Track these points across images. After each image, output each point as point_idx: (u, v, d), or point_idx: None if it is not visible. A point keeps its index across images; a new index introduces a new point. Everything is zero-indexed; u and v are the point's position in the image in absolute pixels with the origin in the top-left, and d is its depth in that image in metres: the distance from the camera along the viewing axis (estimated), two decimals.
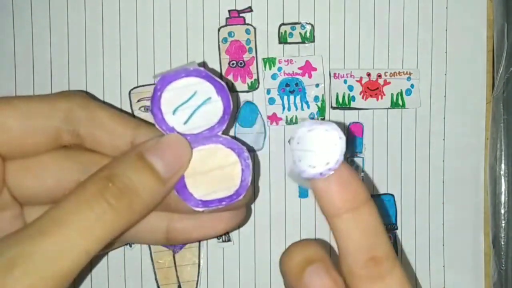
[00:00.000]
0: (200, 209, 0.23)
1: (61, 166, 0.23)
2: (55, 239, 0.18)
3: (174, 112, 0.23)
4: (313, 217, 0.35)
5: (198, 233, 0.25)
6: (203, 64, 0.34)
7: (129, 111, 0.34)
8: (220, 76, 0.34)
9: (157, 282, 0.33)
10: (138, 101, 0.33)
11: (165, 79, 0.22)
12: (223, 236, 0.34)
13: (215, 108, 0.23)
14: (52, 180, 0.23)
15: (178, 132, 0.22)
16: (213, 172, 0.23)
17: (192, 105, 0.23)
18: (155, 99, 0.22)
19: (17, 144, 0.21)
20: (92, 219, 0.19)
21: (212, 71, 0.34)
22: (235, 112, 0.34)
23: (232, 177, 0.24)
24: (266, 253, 0.34)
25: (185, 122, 0.23)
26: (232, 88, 0.34)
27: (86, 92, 0.32)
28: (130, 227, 0.21)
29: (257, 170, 0.34)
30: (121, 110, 0.29)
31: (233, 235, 0.34)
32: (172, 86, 0.22)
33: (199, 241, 0.33)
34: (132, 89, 0.34)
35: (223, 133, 0.23)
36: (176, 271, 0.33)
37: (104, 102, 0.33)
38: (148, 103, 0.33)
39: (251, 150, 0.28)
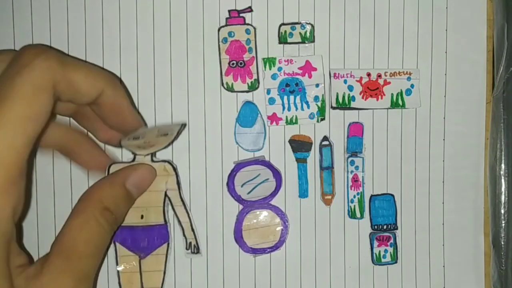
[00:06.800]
0: (251, 255, 0.34)
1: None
2: None
3: (242, 185, 0.33)
4: (313, 217, 0.35)
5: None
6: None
7: None
8: (220, 76, 0.34)
9: (120, 285, 0.32)
10: None
11: (240, 165, 0.33)
12: (192, 247, 0.33)
13: (270, 186, 0.34)
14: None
15: (242, 199, 0.34)
16: (262, 229, 0.34)
17: (255, 182, 0.33)
18: (231, 176, 0.33)
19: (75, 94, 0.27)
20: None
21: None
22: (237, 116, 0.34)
23: (274, 234, 0.34)
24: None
25: (248, 193, 0.33)
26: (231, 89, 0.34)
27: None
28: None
29: None
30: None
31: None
32: (244, 169, 0.33)
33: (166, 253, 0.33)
34: None
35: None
36: (141, 276, 0.32)
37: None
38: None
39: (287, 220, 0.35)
